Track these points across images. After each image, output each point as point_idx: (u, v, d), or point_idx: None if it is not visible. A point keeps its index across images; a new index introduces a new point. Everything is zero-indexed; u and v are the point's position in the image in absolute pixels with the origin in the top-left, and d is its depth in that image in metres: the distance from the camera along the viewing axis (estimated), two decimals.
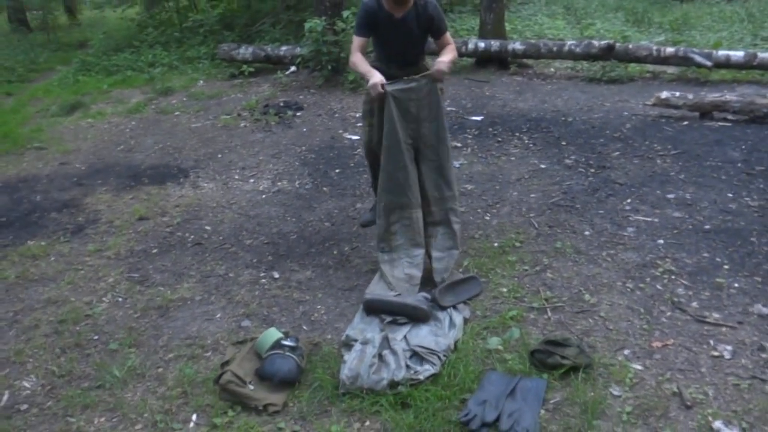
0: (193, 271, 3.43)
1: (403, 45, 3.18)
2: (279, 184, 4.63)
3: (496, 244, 3.49)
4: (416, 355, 2.49)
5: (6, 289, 3.35)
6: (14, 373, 2.65)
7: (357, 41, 3.17)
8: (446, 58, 3.08)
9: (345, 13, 6.79)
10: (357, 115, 6.17)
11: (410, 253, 3.14)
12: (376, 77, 2.98)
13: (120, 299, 3.19)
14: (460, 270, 3.22)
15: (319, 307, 3.02)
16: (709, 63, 6.57)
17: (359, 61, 3.13)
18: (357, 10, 6.81)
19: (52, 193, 4.70)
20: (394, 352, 2.45)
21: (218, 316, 2.98)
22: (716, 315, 2.77)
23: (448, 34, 3.21)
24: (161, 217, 4.16)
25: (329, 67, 7.10)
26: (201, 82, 8.08)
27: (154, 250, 3.70)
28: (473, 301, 2.95)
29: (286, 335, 2.58)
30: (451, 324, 2.72)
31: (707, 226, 3.57)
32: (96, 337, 2.87)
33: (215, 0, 10.49)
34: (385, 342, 2.51)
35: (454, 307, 2.84)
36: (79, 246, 3.81)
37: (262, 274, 3.35)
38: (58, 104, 7.44)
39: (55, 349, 2.80)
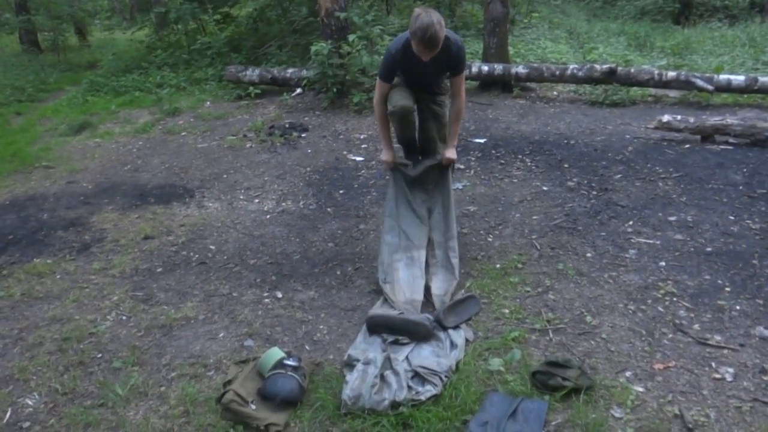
0: (197, 290, 3.46)
1: (428, 81, 3.40)
2: (283, 204, 4.67)
3: (498, 266, 3.51)
4: (418, 376, 2.50)
5: (11, 307, 3.38)
6: (17, 390, 2.67)
7: (381, 86, 3.32)
8: (451, 139, 3.42)
9: (351, 37, 6.90)
10: (361, 137, 6.25)
11: (412, 283, 3.22)
12: (388, 156, 3.46)
13: (124, 317, 3.21)
14: (462, 291, 3.24)
15: (321, 327, 3.03)
16: (710, 87, 6.63)
17: (380, 118, 3.42)
18: (361, 34, 6.95)
19: (58, 212, 4.75)
20: (395, 373, 2.46)
21: (221, 335, 3.00)
22: (718, 337, 2.77)
23: (462, 77, 3.32)
24: (166, 236, 4.20)
25: (334, 90, 7.19)
26: (208, 103, 8.19)
27: (159, 269, 3.73)
28: (475, 323, 2.96)
29: (289, 355, 2.59)
30: (452, 344, 2.73)
31: (709, 249, 3.58)
32: (99, 355, 2.89)
33: (223, 23, 10.66)
34: (387, 362, 2.52)
35: (455, 327, 2.85)
36: (84, 264, 3.85)
37: (266, 294, 3.37)
38: (66, 124, 7.56)
39: (59, 366, 2.82)
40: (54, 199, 5.04)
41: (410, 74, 3.31)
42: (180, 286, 3.52)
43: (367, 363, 2.50)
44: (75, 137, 7.03)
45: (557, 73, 7.35)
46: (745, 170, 4.76)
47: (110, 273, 3.71)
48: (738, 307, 3.00)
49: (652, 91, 7.31)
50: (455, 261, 3.37)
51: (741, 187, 4.44)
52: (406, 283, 3.22)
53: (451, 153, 3.42)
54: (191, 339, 2.98)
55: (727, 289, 3.16)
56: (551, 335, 2.84)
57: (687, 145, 5.43)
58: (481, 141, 5.87)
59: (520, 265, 3.50)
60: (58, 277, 3.71)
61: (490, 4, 7.62)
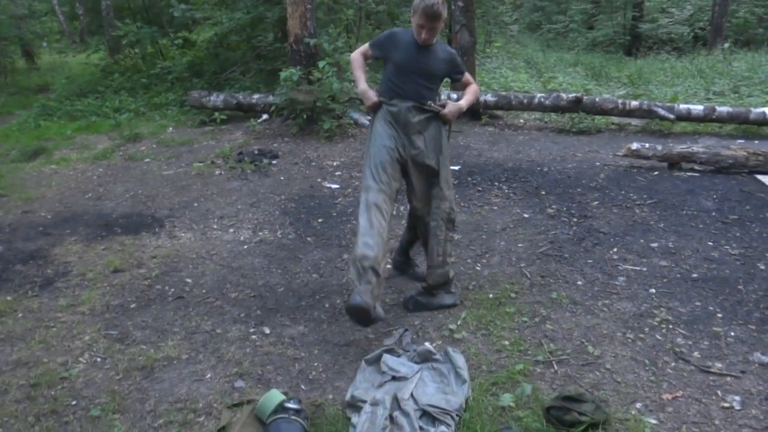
0: (177, 327, 3.24)
1: (420, 76, 3.13)
2: (260, 233, 4.49)
3: (491, 296, 3.44)
4: (427, 415, 2.37)
5: None
6: None
7: (364, 48, 3.32)
8: (463, 101, 3.26)
9: (321, 63, 6.84)
10: (334, 164, 6.14)
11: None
12: (371, 95, 3.20)
13: (98, 359, 2.96)
14: (458, 322, 3.15)
15: (315, 364, 2.88)
16: (671, 116, 6.87)
17: (358, 68, 3.29)
18: (330, 60, 6.90)
19: (15, 243, 4.43)
20: (405, 414, 2.33)
21: (208, 376, 2.80)
22: (719, 364, 2.77)
23: (468, 76, 3.36)
24: (137, 269, 3.95)
25: (304, 116, 7.09)
26: (170, 128, 7.93)
27: (133, 305, 3.49)
28: (477, 356, 2.86)
29: (289, 397, 2.43)
30: (458, 377, 2.61)
31: (695, 275, 3.62)
32: (74, 403, 2.63)
33: (183, 48, 10.43)
34: (395, 402, 2.39)
35: (453, 361, 2.74)
36: (49, 301, 3.56)
37: (252, 330, 3.19)
38: (18, 149, 7.17)
39: (29, 417, 2.55)
40: (9, 230, 4.70)
41: (402, 61, 3.14)
42: (157, 323, 3.29)
43: (375, 404, 2.35)
44: (28, 164, 6.65)
45: (525, 101, 7.47)
46: (714, 197, 4.89)
47: (79, 310, 3.45)
48: (732, 333, 3.01)
49: (616, 119, 7.52)
50: (449, 192, 3.24)
51: (714, 213, 4.55)
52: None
53: (450, 108, 3.16)
54: (176, 381, 2.76)
55: (719, 315, 3.19)
56: (555, 367, 2.77)
57: (656, 172, 5.57)
58: (456, 168, 5.85)
59: (513, 295, 3.44)
60: (20, 315, 3.41)
61: (457, 33, 7.72)
